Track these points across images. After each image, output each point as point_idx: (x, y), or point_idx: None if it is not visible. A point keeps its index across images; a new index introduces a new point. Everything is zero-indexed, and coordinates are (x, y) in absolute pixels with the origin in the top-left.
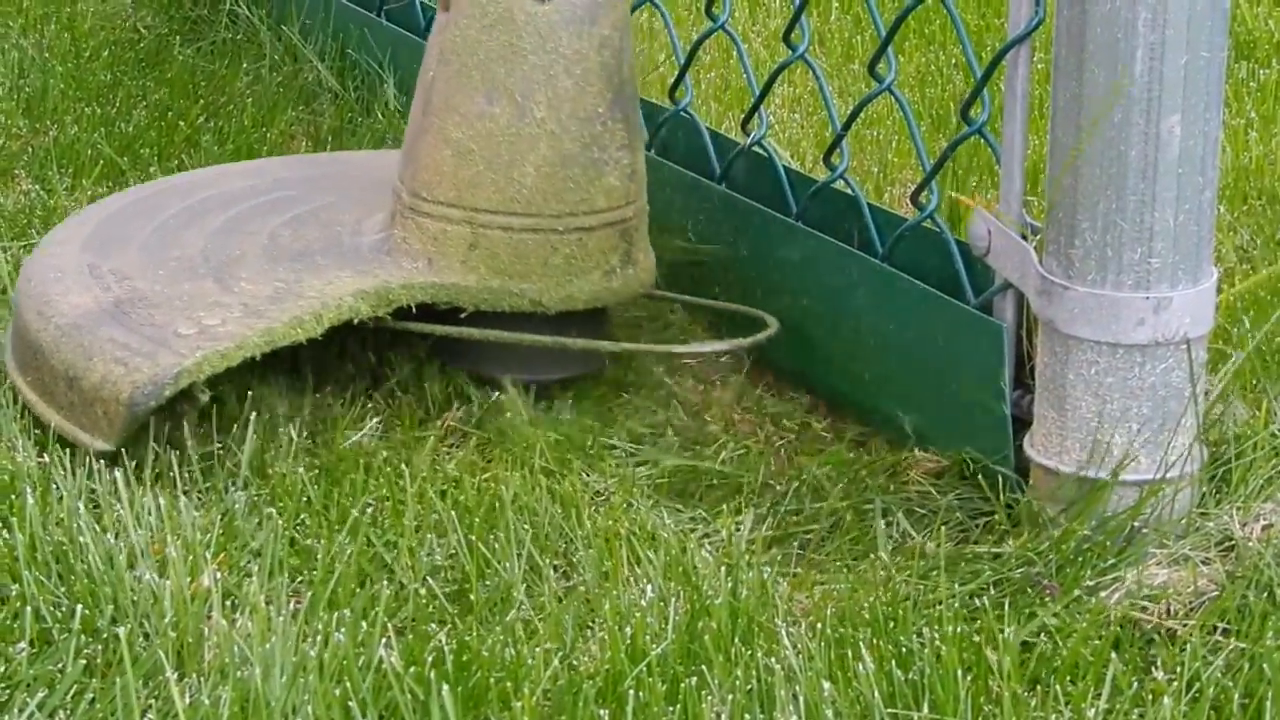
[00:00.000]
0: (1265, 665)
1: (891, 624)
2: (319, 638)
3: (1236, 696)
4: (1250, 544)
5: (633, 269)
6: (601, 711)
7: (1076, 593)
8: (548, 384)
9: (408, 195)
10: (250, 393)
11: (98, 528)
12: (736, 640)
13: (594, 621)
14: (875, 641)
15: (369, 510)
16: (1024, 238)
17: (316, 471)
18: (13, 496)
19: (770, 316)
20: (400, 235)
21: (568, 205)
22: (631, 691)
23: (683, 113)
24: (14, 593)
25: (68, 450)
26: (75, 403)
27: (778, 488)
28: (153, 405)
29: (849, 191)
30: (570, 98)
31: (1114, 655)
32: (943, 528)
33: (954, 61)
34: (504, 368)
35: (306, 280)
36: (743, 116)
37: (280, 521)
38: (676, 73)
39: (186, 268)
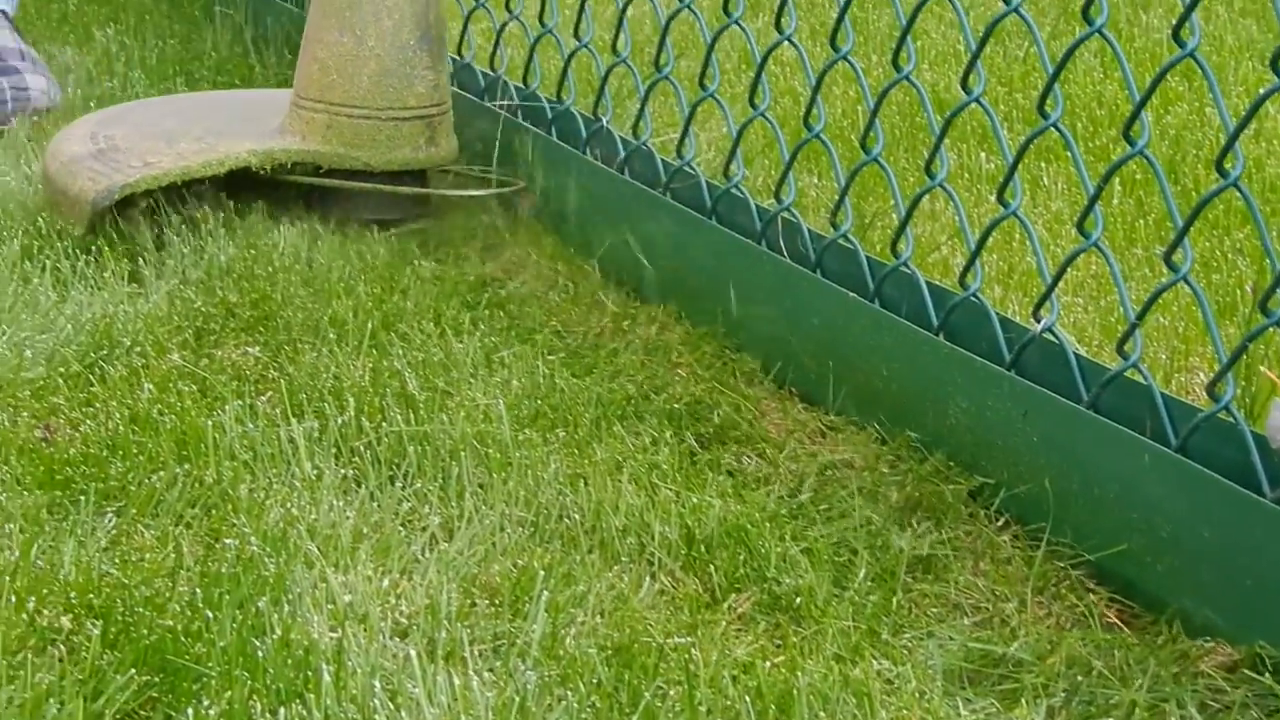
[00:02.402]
0: None
1: None
2: None
3: None
4: None
5: (434, 148)
6: None
7: None
8: (383, 223)
9: (294, 96)
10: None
11: (392, 706)
12: None
13: None
14: None
15: (661, 694)
16: None
17: (608, 653)
18: (308, 672)
19: (521, 181)
20: (288, 122)
21: (389, 103)
22: None
23: (972, 298)
24: None
25: (361, 624)
26: (66, 205)
27: (1075, 677)
28: (106, 205)
29: (1141, 380)
30: (391, 33)
31: None
32: None
33: (1237, 246)
34: (350, 211)
35: (222, 145)
36: (1033, 304)
37: (573, 703)
38: (967, 258)
39: (152, 136)
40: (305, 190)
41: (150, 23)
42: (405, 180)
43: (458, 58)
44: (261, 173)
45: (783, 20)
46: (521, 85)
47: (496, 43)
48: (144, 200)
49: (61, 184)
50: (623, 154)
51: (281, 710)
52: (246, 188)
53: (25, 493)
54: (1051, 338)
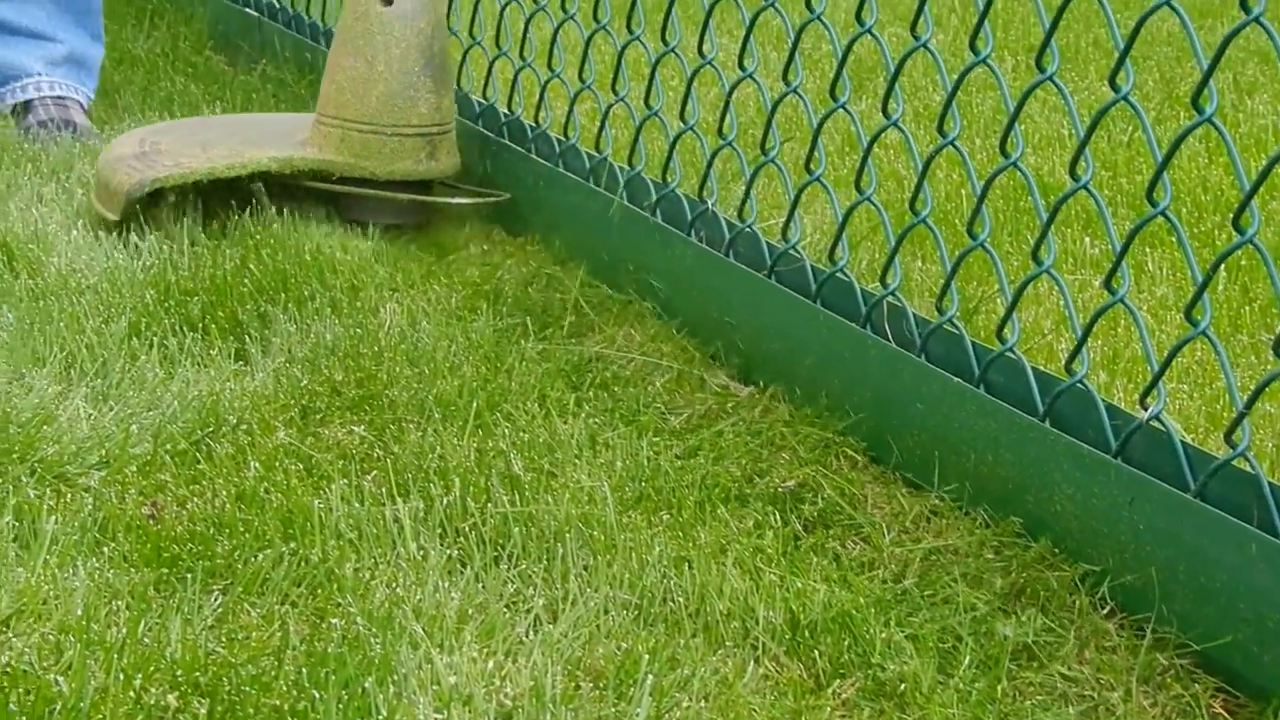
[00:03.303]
0: None
1: None
2: None
3: None
4: None
5: (434, 162)
6: None
7: None
8: (388, 226)
9: (317, 114)
10: None
11: None
12: None
13: None
14: None
15: None
16: None
17: None
18: None
19: (504, 193)
20: (310, 136)
21: (394, 120)
22: None
23: (1079, 384)
24: None
25: (466, 706)
26: (106, 196)
27: None
28: (138, 195)
29: (1249, 469)
30: (398, 60)
31: None
32: None
33: None
34: (359, 214)
35: (248, 152)
36: (1138, 390)
37: None
38: (1072, 344)
39: (191, 144)
40: (326, 196)
41: (257, 101)
42: (405, 189)
43: (563, 139)
44: (281, 176)
45: (889, 105)
46: (626, 166)
47: (602, 125)
48: (173, 195)
49: (105, 178)
50: (728, 236)
51: None
52: (285, 195)
53: (133, 570)
54: (1158, 425)
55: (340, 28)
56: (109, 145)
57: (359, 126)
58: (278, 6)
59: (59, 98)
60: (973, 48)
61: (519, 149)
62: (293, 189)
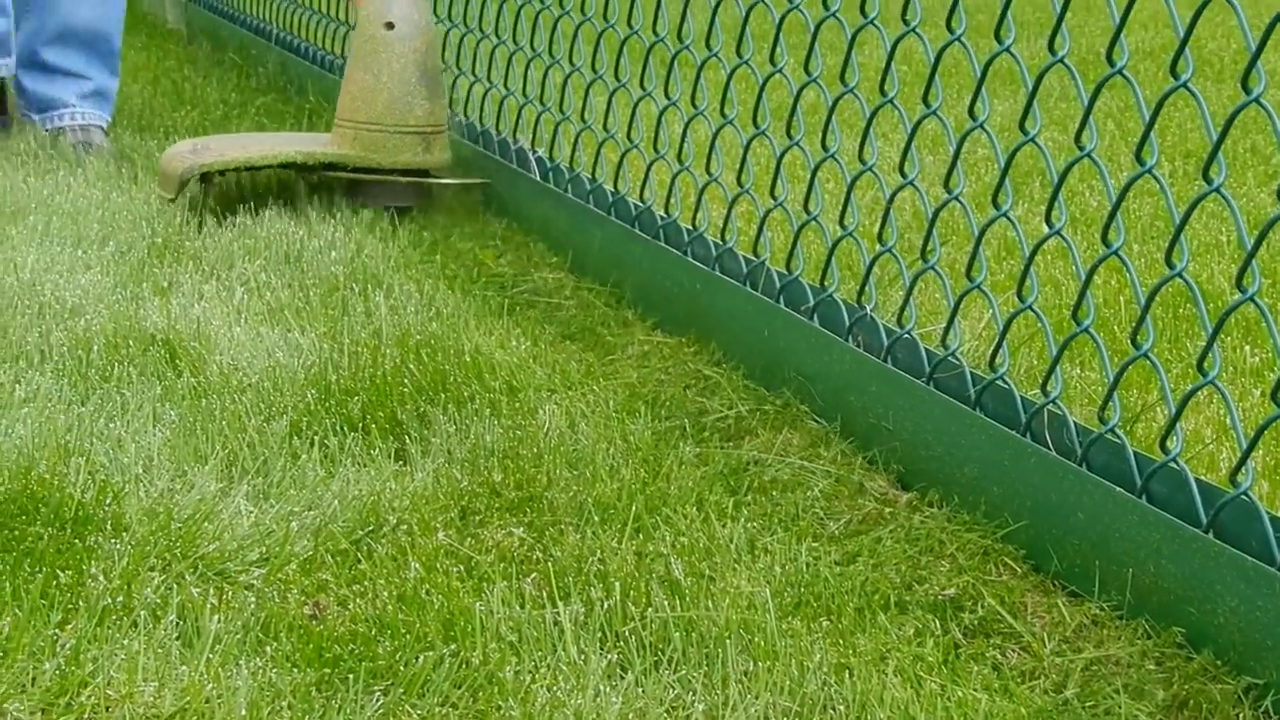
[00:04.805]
0: None
1: None
2: None
3: None
4: None
5: (429, 155)
6: None
7: None
8: (393, 208)
9: (336, 119)
10: None
11: None
12: None
13: None
14: None
15: None
16: None
17: None
18: None
19: (485, 178)
20: (330, 136)
21: (395, 121)
22: None
23: (1243, 496)
24: None
25: None
26: (165, 181)
27: None
28: (189, 178)
29: None
30: (398, 73)
31: None
32: None
33: None
34: (370, 199)
35: (279, 148)
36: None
37: None
38: (1235, 454)
39: (233, 145)
40: (346, 185)
41: None
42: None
43: (720, 242)
44: (306, 166)
45: (1052, 214)
46: (784, 271)
47: (760, 229)
48: (217, 178)
49: (164, 168)
50: (886, 343)
51: None
52: (320, 188)
53: (295, 670)
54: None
55: (353, 49)
56: (169, 148)
57: (368, 127)
58: None
59: (84, 126)
60: (1138, 158)
61: (675, 252)
62: (318, 181)
